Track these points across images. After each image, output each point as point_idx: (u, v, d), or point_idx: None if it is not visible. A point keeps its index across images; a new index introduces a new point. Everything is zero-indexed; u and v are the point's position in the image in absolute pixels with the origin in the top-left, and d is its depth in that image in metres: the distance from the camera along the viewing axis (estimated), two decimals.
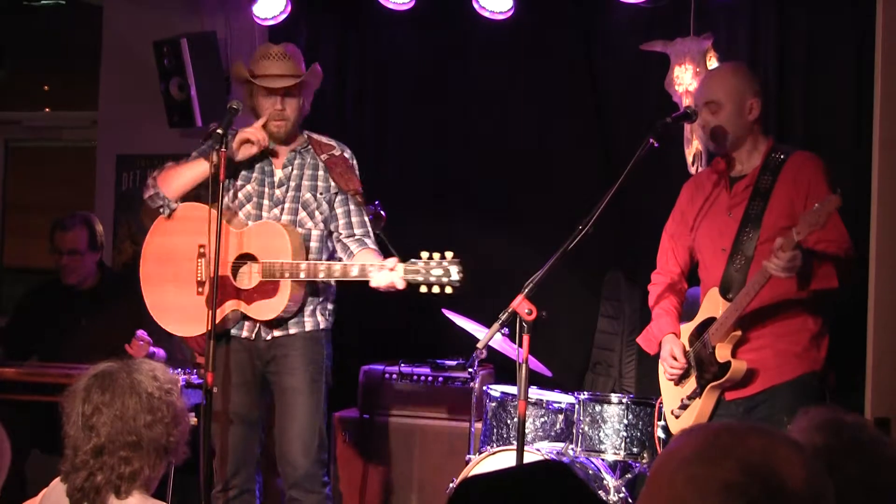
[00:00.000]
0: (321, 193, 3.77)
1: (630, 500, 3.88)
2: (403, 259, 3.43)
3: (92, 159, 5.83)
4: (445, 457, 4.53)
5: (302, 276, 3.56)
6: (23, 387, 4.23)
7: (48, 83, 6.82)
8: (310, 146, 3.81)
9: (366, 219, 3.82)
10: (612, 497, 3.83)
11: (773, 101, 4.38)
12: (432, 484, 4.53)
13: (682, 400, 3.53)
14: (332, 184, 3.76)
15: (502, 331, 3.24)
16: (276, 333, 3.71)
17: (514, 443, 3.36)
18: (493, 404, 4.15)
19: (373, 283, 3.47)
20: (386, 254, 3.65)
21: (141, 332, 4.28)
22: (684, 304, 3.71)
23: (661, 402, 3.70)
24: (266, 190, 3.76)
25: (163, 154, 5.13)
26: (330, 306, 3.80)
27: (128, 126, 5.62)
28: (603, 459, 3.95)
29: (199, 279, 3.70)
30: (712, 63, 4.52)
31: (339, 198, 3.78)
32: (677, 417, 3.56)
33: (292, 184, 3.76)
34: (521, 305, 3.07)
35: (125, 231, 5.64)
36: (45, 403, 3.59)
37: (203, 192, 3.66)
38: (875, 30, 4.04)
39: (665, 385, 3.64)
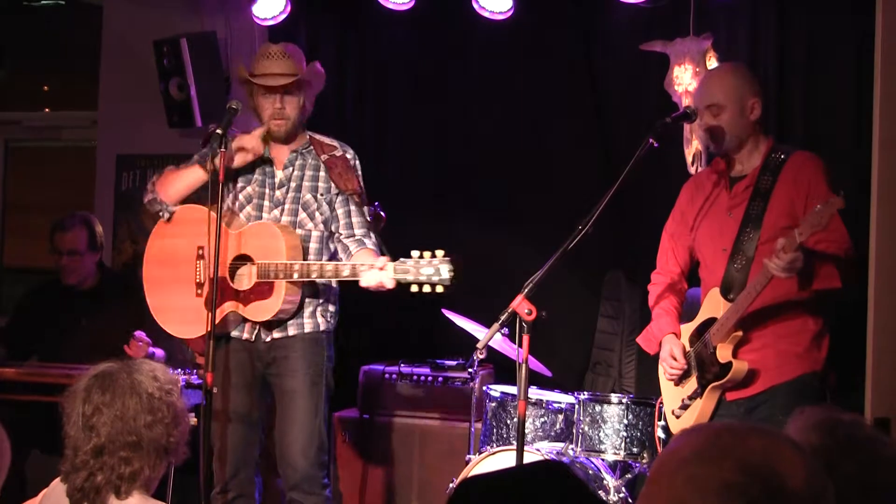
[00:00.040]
0: (322, 194, 3.76)
1: (630, 500, 3.88)
2: (396, 259, 3.42)
3: (92, 159, 5.83)
4: (445, 457, 4.53)
5: (295, 276, 3.55)
6: (23, 387, 4.23)
7: (48, 83, 6.82)
8: (311, 147, 3.79)
9: (367, 219, 3.81)
10: (612, 497, 3.83)
11: (773, 101, 4.38)
12: (432, 484, 4.53)
13: (682, 400, 3.53)
14: (333, 184, 3.76)
15: (502, 331, 3.24)
16: (276, 335, 3.70)
17: (514, 443, 3.35)
18: (493, 404, 4.15)
19: (362, 283, 3.46)
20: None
21: (139, 333, 4.28)
22: (684, 304, 3.71)
23: (661, 402, 3.70)
24: (266, 191, 3.75)
25: (162, 154, 5.15)
26: (332, 308, 3.79)
27: (128, 126, 5.62)
28: (603, 459, 3.95)
29: (198, 281, 3.71)
30: (712, 63, 4.52)
31: (339, 198, 3.77)
32: (678, 417, 3.56)
33: (293, 185, 3.76)
34: (521, 305, 3.07)
35: (125, 231, 5.63)
36: (45, 403, 3.60)
37: (204, 194, 3.66)
38: (875, 30, 4.04)
39: (665, 385, 3.64)
